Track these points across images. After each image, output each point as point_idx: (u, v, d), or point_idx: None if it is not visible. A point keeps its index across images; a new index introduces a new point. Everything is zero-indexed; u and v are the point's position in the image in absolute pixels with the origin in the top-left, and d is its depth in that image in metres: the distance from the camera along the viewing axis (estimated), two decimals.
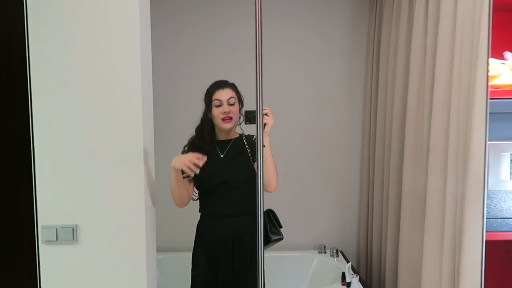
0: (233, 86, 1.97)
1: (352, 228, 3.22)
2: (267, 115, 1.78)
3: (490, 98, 1.63)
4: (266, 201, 1.98)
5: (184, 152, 2.00)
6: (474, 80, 1.70)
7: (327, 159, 3.16)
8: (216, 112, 1.91)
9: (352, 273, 2.57)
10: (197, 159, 1.72)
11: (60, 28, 1.49)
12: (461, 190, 1.81)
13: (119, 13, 1.50)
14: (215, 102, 1.91)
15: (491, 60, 1.83)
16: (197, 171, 1.73)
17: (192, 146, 1.99)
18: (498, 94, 1.91)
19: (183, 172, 1.96)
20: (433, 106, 2.01)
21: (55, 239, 1.52)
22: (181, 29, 3.03)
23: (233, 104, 1.92)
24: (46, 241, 1.52)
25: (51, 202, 1.52)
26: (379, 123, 2.79)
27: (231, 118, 1.92)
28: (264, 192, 1.84)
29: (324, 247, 3.08)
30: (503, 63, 2.02)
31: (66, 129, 1.51)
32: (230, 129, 1.97)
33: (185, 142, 2.03)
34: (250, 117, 1.67)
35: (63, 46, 1.49)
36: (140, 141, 1.54)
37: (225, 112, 1.89)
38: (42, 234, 1.52)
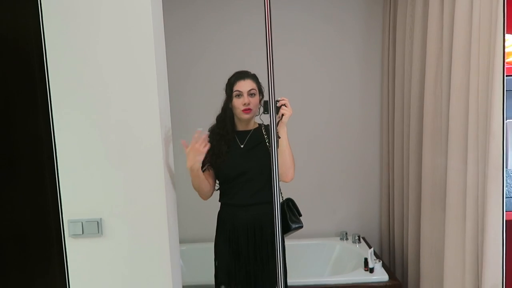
0: (254, 77, 1.97)
1: (373, 213, 3.20)
2: (285, 106, 1.78)
3: (507, 75, 1.60)
4: (286, 189, 2.01)
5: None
6: (493, 57, 1.66)
7: (346, 146, 3.14)
8: (237, 103, 1.92)
9: (375, 258, 2.57)
10: (198, 145, 1.74)
11: (74, 26, 1.51)
12: (482, 171, 1.78)
13: (132, 10, 1.51)
14: (235, 93, 1.92)
15: (508, 36, 1.78)
16: (204, 150, 1.75)
17: (214, 134, 2.01)
18: None
19: (203, 165, 2.00)
20: (452, 87, 1.98)
21: (81, 233, 1.57)
22: (191, 20, 3.03)
23: (253, 95, 1.93)
24: (73, 234, 1.57)
25: (76, 197, 1.57)
26: (397, 107, 2.76)
27: (250, 109, 1.93)
28: (282, 182, 1.86)
29: (346, 233, 3.08)
30: None
31: (86, 125, 1.55)
32: (250, 120, 1.98)
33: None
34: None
35: (77, 43, 1.52)
36: (159, 135, 1.57)
37: (245, 104, 1.90)
38: (68, 228, 1.57)
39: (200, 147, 1.74)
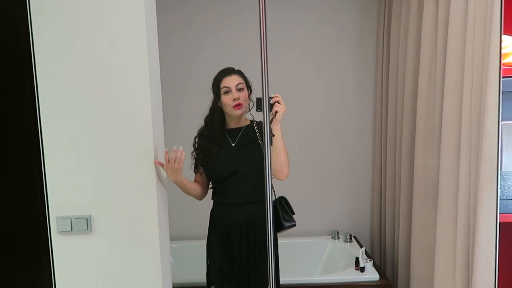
0: (239, 73, 1.95)
1: (365, 213, 3.21)
2: (279, 103, 1.75)
3: (503, 77, 1.60)
4: (279, 188, 2.00)
5: (195, 144, 2.01)
6: (487, 58, 1.66)
7: (339, 145, 3.14)
8: (226, 100, 1.90)
9: (366, 257, 2.57)
10: (172, 163, 1.64)
11: (64, 22, 1.48)
12: (474, 172, 1.78)
13: (125, 7, 1.49)
14: (223, 90, 1.89)
15: (504, 37, 1.78)
16: (179, 166, 1.66)
17: (202, 137, 1.99)
18: (511, 73, 1.86)
19: (195, 167, 1.98)
20: (445, 87, 1.98)
21: (69, 230, 1.54)
22: (185, 20, 3.01)
23: (242, 90, 1.90)
24: (61, 231, 1.55)
25: (65, 194, 1.55)
26: (391, 107, 2.76)
27: (241, 104, 1.90)
28: (276, 179, 1.85)
29: (338, 232, 3.08)
30: None
31: (76, 121, 1.52)
32: (241, 116, 1.95)
33: (194, 131, 2.03)
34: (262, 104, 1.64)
35: (68, 39, 1.49)
36: (150, 132, 1.54)
37: (235, 99, 1.87)
38: (57, 225, 1.54)
39: (175, 165, 1.65)
